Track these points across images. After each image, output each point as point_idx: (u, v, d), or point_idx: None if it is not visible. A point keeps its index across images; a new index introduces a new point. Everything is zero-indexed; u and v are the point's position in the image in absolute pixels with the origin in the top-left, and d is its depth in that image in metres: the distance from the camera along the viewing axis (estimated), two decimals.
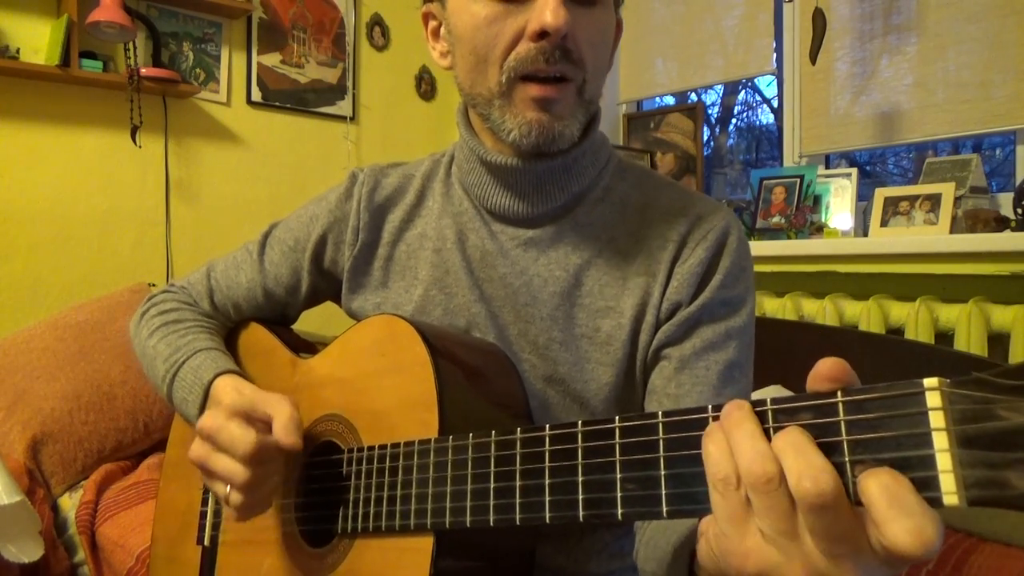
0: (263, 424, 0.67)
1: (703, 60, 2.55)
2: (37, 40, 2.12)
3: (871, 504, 0.35)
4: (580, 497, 0.48)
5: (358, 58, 2.82)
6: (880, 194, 1.90)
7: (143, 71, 2.20)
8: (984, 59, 1.86)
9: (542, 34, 0.64)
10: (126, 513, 1.46)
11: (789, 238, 2.05)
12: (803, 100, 2.27)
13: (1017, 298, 1.58)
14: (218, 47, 2.48)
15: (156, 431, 1.75)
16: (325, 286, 0.87)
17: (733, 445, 0.39)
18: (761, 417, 0.40)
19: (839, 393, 0.38)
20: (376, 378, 0.69)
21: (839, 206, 2.06)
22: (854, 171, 2.08)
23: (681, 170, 2.56)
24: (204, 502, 0.86)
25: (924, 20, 1.97)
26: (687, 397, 0.69)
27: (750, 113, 4.86)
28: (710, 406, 0.43)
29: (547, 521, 0.50)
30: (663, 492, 0.44)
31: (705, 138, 2.89)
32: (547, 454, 0.51)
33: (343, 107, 2.77)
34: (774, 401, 0.40)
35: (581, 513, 0.48)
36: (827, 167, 2.29)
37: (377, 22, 2.86)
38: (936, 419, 0.35)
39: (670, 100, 3.04)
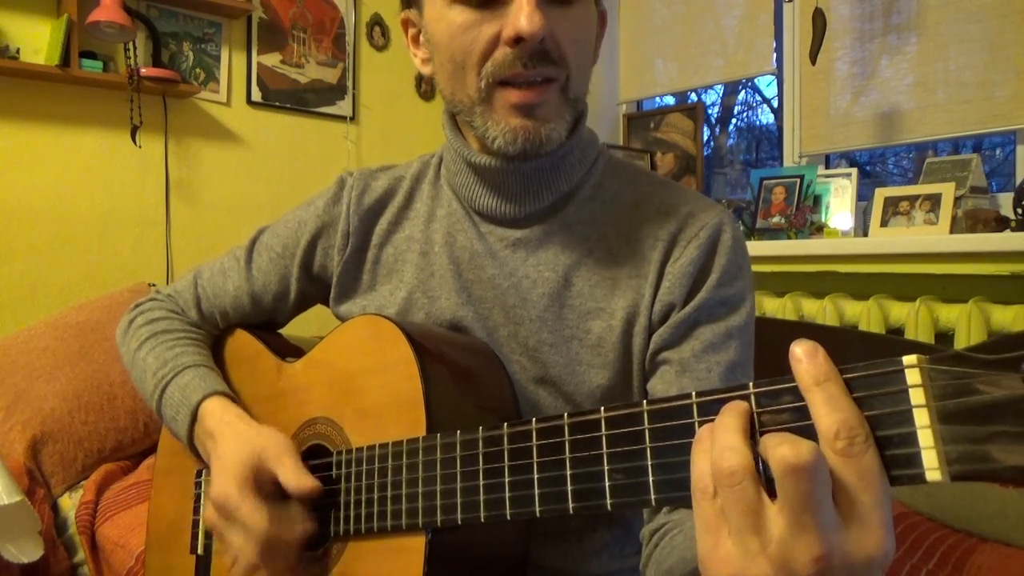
0: (272, 486, 0.68)
1: (703, 60, 2.55)
2: (37, 40, 2.12)
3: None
4: (569, 489, 0.48)
5: (358, 58, 2.82)
6: (880, 194, 1.90)
7: (143, 71, 2.20)
8: (984, 59, 1.86)
9: (518, 39, 0.63)
10: (126, 513, 1.46)
11: (789, 238, 2.05)
12: (803, 100, 2.27)
13: (1017, 298, 1.58)
14: (218, 47, 2.48)
15: (156, 431, 1.75)
16: (314, 291, 0.87)
17: (712, 446, 0.39)
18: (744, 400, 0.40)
19: None
20: (362, 378, 0.69)
21: (839, 206, 2.06)
22: (854, 171, 2.08)
23: (681, 170, 2.56)
24: (196, 511, 0.85)
25: (924, 20, 1.97)
26: None
27: (750, 113, 4.86)
28: (694, 392, 0.43)
29: (537, 515, 0.50)
30: (650, 480, 0.44)
31: (705, 138, 2.89)
32: (535, 448, 0.51)
33: (343, 107, 2.77)
34: (756, 384, 0.40)
35: (571, 505, 0.48)
36: (827, 167, 2.29)
37: (377, 22, 2.86)
38: (916, 396, 0.35)
39: (670, 100, 3.04)
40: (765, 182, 2.17)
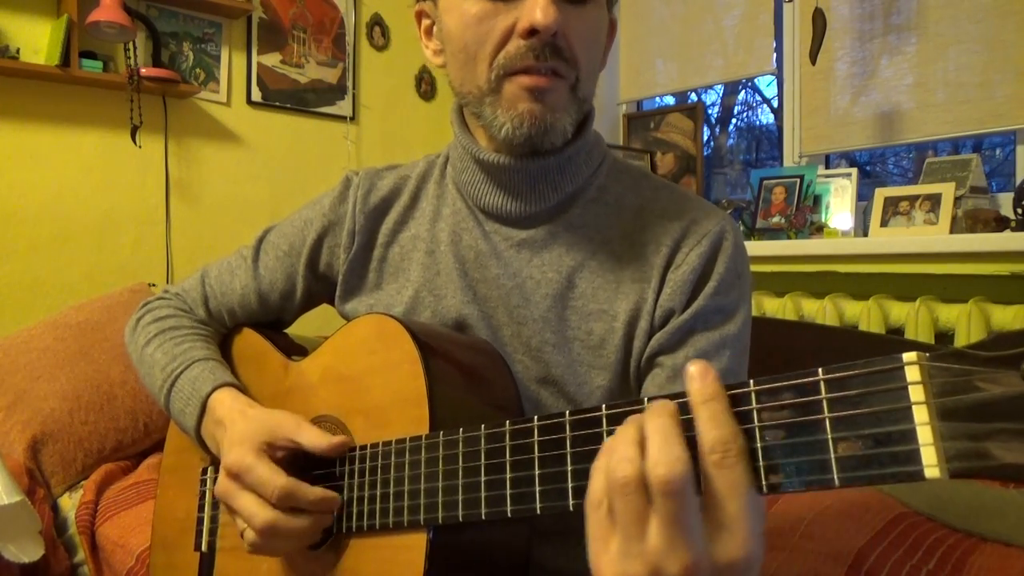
0: (286, 450, 0.68)
1: (703, 60, 2.55)
2: (37, 40, 2.12)
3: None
4: (570, 486, 0.49)
5: (358, 58, 2.82)
6: (880, 194, 1.90)
7: (143, 71, 2.20)
8: (984, 59, 1.86)
9: (532, 31, 0.64)
10: (126, 513, 1.46)
11: (789, 238, 2.05)
12: (803, 100, 2.27)
13: (1017, 298, 1.59)
14: (218, 47, 2.48)
15: (156, 431, 1.75)
16: (320, 290, 0.87)
17: (610, 456, 0.42)
18: (744, 398, 0.41)
19: (820, 371, 0.38)
20: (367, 377, 0.70)
21: (839, 206, 2.06)
22: (854, 171, 2.08)
23: (681, 170, 2.56)
24: (201, 508, 0.86)
25: (924, 20, 1.97)
26: None
27: (750, 113, 4.86)
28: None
29: (538, 511, 0.51)
30: None
31: (705, 138, 2.89)
32: (536, 445, 0.51)
33: (343, 107, 2.77)
34: (757, 382, 0.41)
35: (571, 502, 0.48)
36: (827, 167, 2.29)
37: (377, 22, 2.86)
38: (916, 393, 0.35)
39: (670, 100, 3.04)
40: (765, 182, 2.17)
